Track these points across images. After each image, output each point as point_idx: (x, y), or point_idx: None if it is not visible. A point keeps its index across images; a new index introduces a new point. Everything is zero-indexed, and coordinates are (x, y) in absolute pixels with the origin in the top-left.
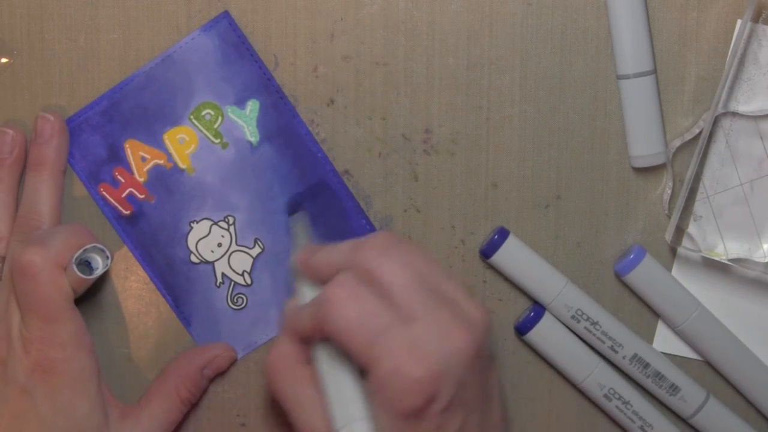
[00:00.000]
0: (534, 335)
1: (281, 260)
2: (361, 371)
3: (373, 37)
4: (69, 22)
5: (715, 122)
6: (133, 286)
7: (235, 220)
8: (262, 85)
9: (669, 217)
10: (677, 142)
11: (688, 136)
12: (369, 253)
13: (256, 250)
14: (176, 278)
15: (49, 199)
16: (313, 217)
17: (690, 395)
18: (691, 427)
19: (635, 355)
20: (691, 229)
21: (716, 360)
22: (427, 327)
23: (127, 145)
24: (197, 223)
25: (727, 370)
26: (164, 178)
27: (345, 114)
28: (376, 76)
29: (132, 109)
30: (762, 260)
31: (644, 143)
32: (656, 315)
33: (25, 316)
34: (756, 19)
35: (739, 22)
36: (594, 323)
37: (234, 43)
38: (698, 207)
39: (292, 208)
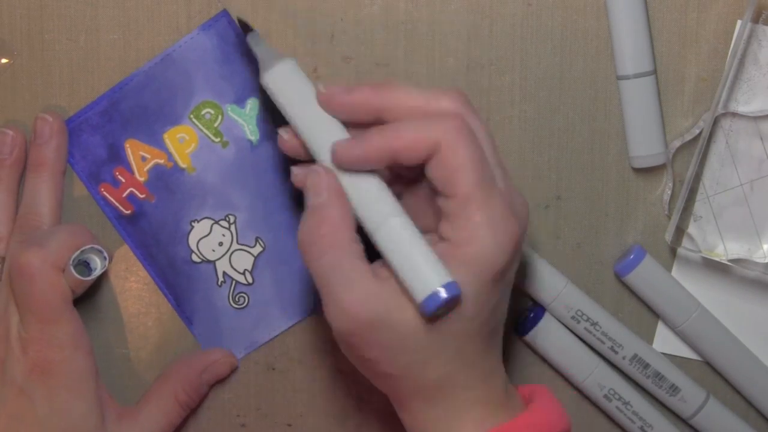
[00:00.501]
0: (534, 336)
1: (283, 259)
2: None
3: (373, 38)
4: (69, 22)
5: (715, 122)
6: (133, 286)
7: (235, 218)
8: None
9: (669, 217)
10: (677, 143)
11: (688, 137)
12: (455, 101)
13: (257, 249)
14: (177, 278)
15: (49, 200)
16: None
17: (690, 395)
18: (691, 427)
19: (635, 356)
20: (691, 229)
21: (716, 360)
22: (505, 186)
23: (127, 145)
24: (198, 222)
25: (727, 370)
26: (165, 178)
27: None
28: (376, 76)
29: (132, 108)
30: (762, 260)
31: (644, 144)
32: (656, 315)
33: (23, 316)
34: (756, 20)
35: (739, 22)
36: (594, 324)
37: (233, 41)
38: (698, 207)
39: (243, 26)
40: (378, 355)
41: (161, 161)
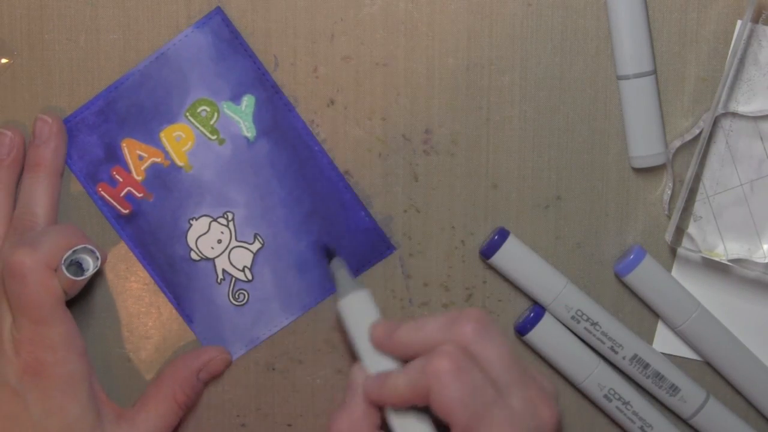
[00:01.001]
0: (534, 336)
1: (281, 255)
2: None
3: (373, 38)
4: (69, 22)
5: (715, 123)
6: (133, 286)
7: (234, 215)
8: (257, 80)
9: (669, 217)
10: (677, 143)
11: (688, 137)
12: (467, 327)
13: (256, 246)
14: (177, 276)
15: (45, 201)
16: (312, 211)
17: (690, 396)
18: (691, 427)
19: (635, 356)
20: (691, 229)
21: (716, 360)
22: (521, 403)
23: (124, 144)
24: (196, 220)
25: (727, 370)
26: (162, 176)
27: (345, 114)
28: (376, 76)
29: (128, 108)
30: (762, 260)
31: (644, 143)
32: (656, 315)
33: (15, 317)
34: (756, 20)
35: (739, 22)
36: (594, 324)
37: (227, 39)
38: (698, 207)
39: (328, 254)
40: None
41: (158, 160)
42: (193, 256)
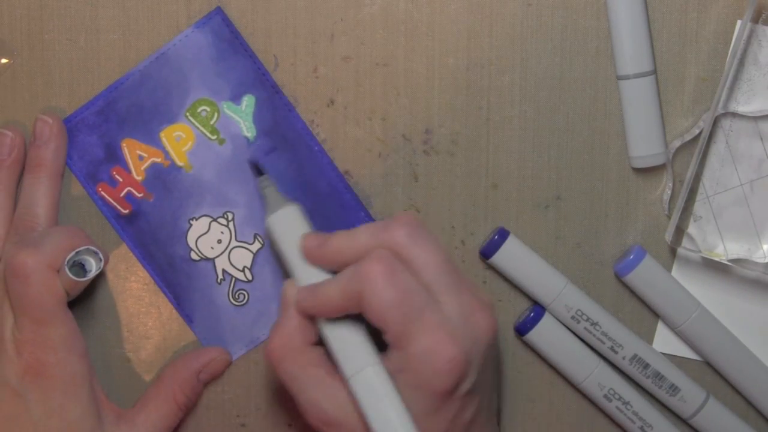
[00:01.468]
0: (534, 336)
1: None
2: (388, 347)
3: (373, 38)
4: (69, 22)
5: (715, 123)
6: (133, 286)
7: (234, 215)
8: (257, 80)
9: (669, 217)
10: (677, 143)
11: (688, 137)
12: (399, 232)
13: (256, 246)
14: (177, 276)
15: (46, 201)
16: (312, 211)
17: (690, 395)
18: (691, 427)
19: (635, 356)
20: (691, 229)
21: (716, 360)
22: (455, 308)
23: (124, 144)
24: (196, 220)
25: (727, 370)
26: (162, 176)
27: (345, 114)
28: (376, 76)
29: (128, 108)
30: (762, 261)
31: (644, 144)
32: (656, 315)
33: (17, 318)
34: (756, 20)
35: (739, 22)
36: (594, 324)
37: (228, 38)
38: (698, 207)
39: (257, 171)
40: None
41: (158, 160)
42: (193, 256)
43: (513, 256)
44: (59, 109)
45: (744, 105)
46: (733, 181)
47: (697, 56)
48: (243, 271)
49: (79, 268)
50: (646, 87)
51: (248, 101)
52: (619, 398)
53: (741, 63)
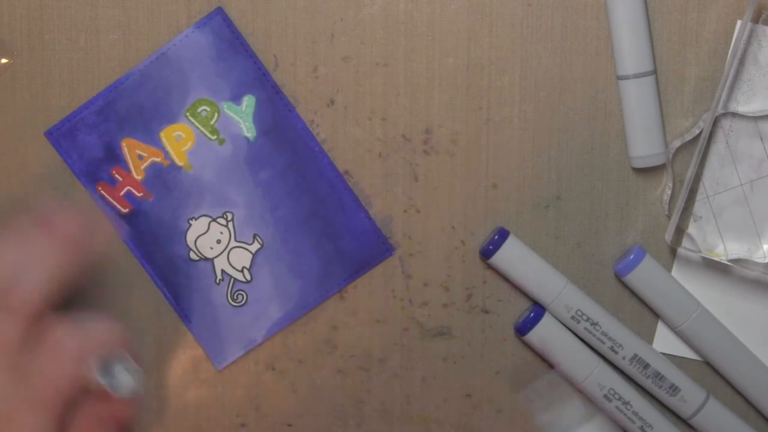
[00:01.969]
0: (534, 336)
1: (281, 256)
2: None
3: (373, 38)
4: (69, 22)
5: (715, 123)
6: (132, 285)
7: (233, 216)
8: (258, 80)
9: (669, 217)
10: (677, 143)
11: (688, 137)
12: None
13: (255, 246)
14: (176, 276)
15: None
16: (312, 212)
17: (690, 396)
18: (691, 427)
19: (635, 356)
20: (691, 229)
21: (716, 360)
22: None
23: (123, 144)
24: (196, 220)
25: (727, 370)
26: (162, 176)
27: (345, 114)
28: (376, 76)
29: (128, 107)
30: (762, 261)
31: (644, 143)
32: (656, 315)
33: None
34: (756, 20)
35: (739, 22)
36: (594, 324)
37: (228, 38)
38: (698, 207)
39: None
40: None
41: (158, 159)
42: (192, 256)
43: (513, 256)
44: (59, 109)
45: (744, 105)
46: (733, 181)
47: (697, 56)
48: (242, 271)
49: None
50: (646, 87)
51: (248, 101)
52: (619, 398)
53: (741, 63)
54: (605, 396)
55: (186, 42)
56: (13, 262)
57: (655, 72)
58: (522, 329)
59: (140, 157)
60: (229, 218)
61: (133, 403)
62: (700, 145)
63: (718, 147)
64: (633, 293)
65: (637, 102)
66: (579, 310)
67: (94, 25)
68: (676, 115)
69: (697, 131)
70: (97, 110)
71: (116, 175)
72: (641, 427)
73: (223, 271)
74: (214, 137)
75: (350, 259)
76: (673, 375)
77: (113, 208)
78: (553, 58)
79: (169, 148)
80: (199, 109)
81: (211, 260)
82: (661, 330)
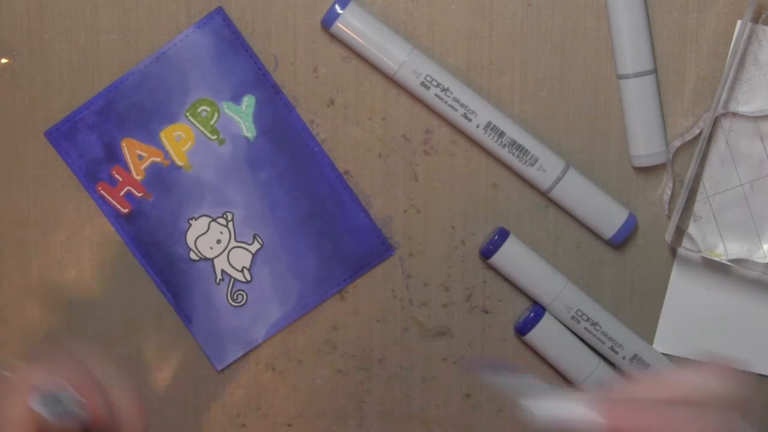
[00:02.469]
0: (534, 336)
1: (280, 256)
2: None
3: None
4: (69, 22)
5: (715, 122)
6: (132, 285)
7: (233, 216)
8: (258, 80)
9: (669, 217)
10: (677, 143)
11: (688, 137)
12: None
13: (255, 246)
14: (176, 276)
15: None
16: (312, 212)
17: None
18: None
19: (635, 356)
20: (691, 229)
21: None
22: None
23: (123, 144)
24: (196, 220)
25: None
26: (162, 176)
27: (345, 114)
28: (376, 76)
29: (128, 107)
30: (762, 260)
31: (644, 142)
32: (656, 315)
33: None
34: (756, 20)
35: (739, 22)
36: (594, 324)
37: (228, 39)
38: (698, 207)
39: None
40: None
41: (158, 159)
42: (193, 256)
43: (513, 256)
44: (59, 109)
45: (744, 105)
46: (733, 181)
47: (697, 56)
48: (242, 271)
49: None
50: (646, 86)
51: (248, 101)
52: None
53: (741, 63)
54: None
55: (186, 42)
56: None
57: (655, 71)
58: (522, 329)
59: (140, 157)
60: (229, 218)
61: None
62: (700, 145)
63: (718, 147)
64: (633, 293)
65: (638, 101)
66: (579, 310)
67: (94, 25)
68: (676, 114)
69: (697, 131)
70: (97, 110)
71: (116, 175)
72: None
73: (223, 271)
74: (214, 137)
75: (350, 259)
76: None
77: (113, 208)
78: (553, 58)
79: (169, 148)
80: (199, 109)
81: (211, 260)
82: (661, 330)
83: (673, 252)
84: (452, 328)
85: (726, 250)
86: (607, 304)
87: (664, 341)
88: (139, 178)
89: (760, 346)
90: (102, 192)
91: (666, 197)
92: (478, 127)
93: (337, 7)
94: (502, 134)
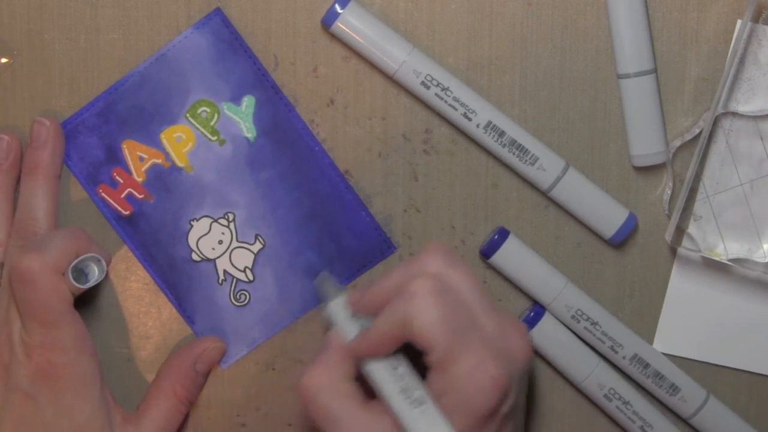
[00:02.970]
0: (534, 336)
1: (283, 255)
2: (428, 372)
3: None
4: (69, 22)
5: (715, 122)
6: (133, 286)
7: (234, 216)
8: (257, 80)
9: (669, 217)
10: (677, 142)
11: (688, 136)
12: (433, 260)
13: (257, 246)
14: (178, 277)
15: (45, 204)
16: (313, 212)
17: (690, 395)
18: (691, 427)
19: (635, 355)
20: (691, 229)
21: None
22: (495, 330)
23: (124, 146)
24: (197, 221)
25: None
26: (163, 178)
27: (345, 114)
28: (376, 76)
29: (128, 109)
30: (762, 260)
31: (645, 142)
32: (656, 315)
33: (25, 321)
34: (756, 20)
35: (739, 22)
36: (594, 323)
37: (227, 39)
38: (698, 207)
39: (314, 273)
40: None
41: (159, 161)
42: (194, 257)
43: (513, 256)
44: (58, 110)
45: (744, 105)
46: (733, 181)
47: (697, 56)
48: (244, 271)
49: (80, 273)
50: (646, 85)
51: (248, 102)
52: (620, 398)
53: (741, 62)
54: (605, 396)
55: (185, 43)
56: None
57: (655, 70)
58: None
59: (141, 159)
60: (231, 219)
61: (217, 345)
62: (700, 145)
63: (718, 146)
64: (632, 293)
65: (638, 100)
66: (579, 309)
67: (94, 25)
68: (676, 114)
69: (698, 131)
70: (98, 112)
71: (117, 177)
72: (641, 427)
73: (225, 271)
74: (215, 138)
75: (351, 257)
76: (673, 375)
77: (114, 210)
78: (553, 58)
79: (169, 150)
80: (199, 110)
81: (213, 261)
82: (661, 330)
83: (673, 252)
84: None
85: (726, 249)
86: (607, 303)
87: (664, 341)
88: (140, 179)
89: (760, 346)
90: (103, 194)
91: (666, 197)
92: (478, 126)
93: (337, 6)
94: (502, 134)
